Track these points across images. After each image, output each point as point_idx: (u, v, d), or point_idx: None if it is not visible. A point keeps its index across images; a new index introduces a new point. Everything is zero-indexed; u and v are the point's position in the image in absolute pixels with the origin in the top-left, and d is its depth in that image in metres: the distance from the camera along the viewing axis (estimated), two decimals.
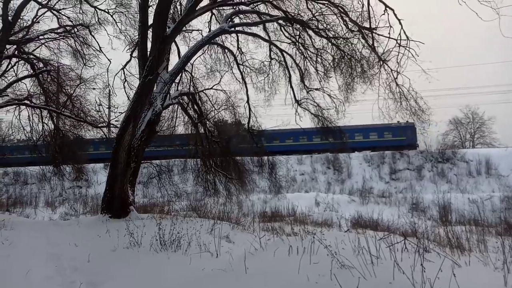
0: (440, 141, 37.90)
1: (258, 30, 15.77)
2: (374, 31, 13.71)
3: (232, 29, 14.61)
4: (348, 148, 24.80)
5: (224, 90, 16.13)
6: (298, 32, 15.16)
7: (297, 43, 15.39)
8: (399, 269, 4.53)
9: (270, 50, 16.14)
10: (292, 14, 14.12)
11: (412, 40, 13.31)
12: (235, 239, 8.55)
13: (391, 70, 13.88)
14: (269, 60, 16.34)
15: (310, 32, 14.69)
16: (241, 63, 16.36)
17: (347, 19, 13.81)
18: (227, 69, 16.76)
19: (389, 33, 13.54)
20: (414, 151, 30.14)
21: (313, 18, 14.17)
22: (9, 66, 14.74)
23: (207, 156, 16.07)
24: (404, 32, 13.35)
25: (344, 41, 14.33)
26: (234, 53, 16.19)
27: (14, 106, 14.38)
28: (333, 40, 14.40)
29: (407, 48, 13.41)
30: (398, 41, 13.48)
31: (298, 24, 14.39)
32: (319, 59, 15.22)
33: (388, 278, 4.37)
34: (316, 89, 15.60)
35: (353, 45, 14.31)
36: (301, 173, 29.56)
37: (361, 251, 5.39)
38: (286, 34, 15.51)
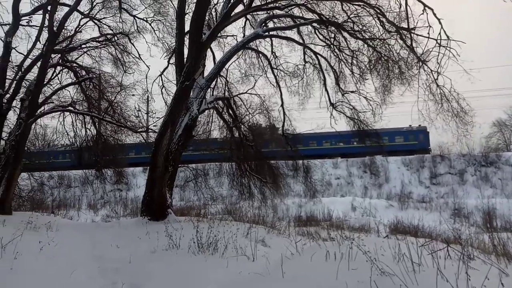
0: (484, 144, 36.29)
1: (292, 33, 15.80)
2: (413, 31, 13.37)
3: (266, 33, 14.71)
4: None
5: (258, 94, 16.23)
6: (333, 35, 15.03)
7: (331, 45, 15.24)
8: (443, 277, 4.36)
9: (304, 53, 16.10)
10: (327, 17, 14.02)
11: (453, 40, 12.89)
12: (271, 243, 8.53)
13: (431, 70, 13.47)
14: (303, 63, 16.31)
15: (345, 34, 14.52)
16: (275, 67, 16.41)
17: (384, 19, 13.54)
18: (261, 73, 16.88)
19: (428, 33, 13.18)
20: (456, 154, 28.96)
21: (348, 20, 13.99)
22: (54, 75, 15.50)
23: (242, 160, 16.20)
24: (444, 32, 12.95)
25: (381, 42, 14.07)
26: (268, 57, 16.27)
27: (59, 112, 15.08)
28: (369, 41, 14.16)
29: (448, 48, 12.97)
30: (438, 41, 13.07)
31: (333, 26, 14.27)
32: (354, 61, 15.01)
33: (431, 286, 4.21)
34: (352, 92, 15.39)
35: (390, 46, 14.04)
36: (336, 177, 29.16)
37: (401, 258, 5.22)
38: (321, 37, 15.41)
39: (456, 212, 21.09)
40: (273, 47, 16.47)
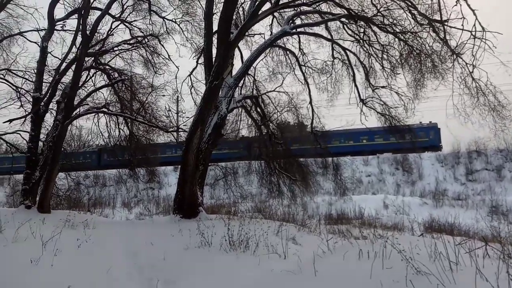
0: None
1: (320, 29, 15.61)
2: (446, 23, 12.91)
3: (294, 30, 14.60)
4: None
5: (287, 92, 16.19)
6: (362, 29, 14.74)
7: (361, 40, 14.96)
8: (482, 277, 4.21)
9: (333, 49, 15.89)
10: (356, 11, 13.77)
11: (488, 31, 12.33)
12: (302, 241, 8.51)
13: (466, 63, 12.98)
14: (332, 59, 16.10)
15: (375, 28, 14.21)
16: (303, 64, 16.28)
17: (415, 12, 13.16)
18: (289, 71, 16.79)
19: (462, 25, 12.66)
20: (493, 149, 27.83)
21: (378, 14, 13.69)
22: (88, 77, 16.01)
23: (271, 158, 16.22)
24: (479, 23, 12.42)
25: (413, 35, 13.69)
26: (296, 54, 16.17)
27: (93, 114, 15.58)
28: (400, 35, 13.81)
29: (483, 40, 12.44)
30: (473, 33, 12.55)
31: (362, 21, 14.00)
32: (385, 56, 14.68)
33: (470, 286, 4.07)
34: (383, 87, 15.05)
35: (422, 40, 13.63)
36: (367, 174, 28.67)
37: (438, 257, 5.08)
38: (349, 32, 15.15)
39: (494, 209, 20.30)
40: (301, 44, 16.38)
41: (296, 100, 16.45)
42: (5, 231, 7.04)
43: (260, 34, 16.65)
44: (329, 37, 15.43)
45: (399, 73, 14.58)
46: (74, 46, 15.11)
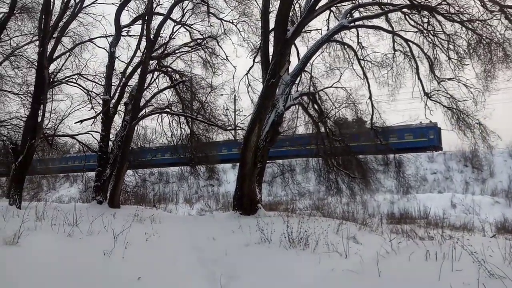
0: None
1: (380, 21, 15.07)
2: None
3: (352, 24, 14.25)
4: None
5: (344, 88, 15.81)
6: (425, 19, 14.01)
7: (424, 31, 14.23)
8: None
9: (394, 41, 15.28)
10: (418, 1, 13.12)
11: None
12: (363, 241, 8.30)
13: None
14: (393, 52, 15.48)
15: (440, 17, 13.45)
16: (361, 58, 15.81)
17: None
18: (347, 66, 16.38)
19: None
20: None
21: (443, 2, 12.92)
22: (152, 80, 16.88)
23: (329, 155, 15.98)
24: None
25: (482, 23, 12.77)
26: (354, 48, 15.74)
27: (157, 114, 16.39)
28: (467, 23, 12.94)
29: None
30: None
31: (426, 10, 13.31)
32: (451, 46, 13.83)
33: None
34: (449, 79, 14.21)
35: (492, 27, 12.67)
36: (432, 171, 27.22)
37: None
38: (412, 23, 14.48)
39: None
40: (359, 37, 15.91)
41: (354, 96, 16.04)
42: (80, 225, 7.58)
43: (316, 29, 16.39)
44: (389, 29, 14.85)
45: (467, 64, 13.70)
46: (138, 50, 15.99)
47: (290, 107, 14.43)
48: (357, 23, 14.54)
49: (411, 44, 14.64)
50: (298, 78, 15.39)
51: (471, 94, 13.75)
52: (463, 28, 13.20)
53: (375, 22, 14.95)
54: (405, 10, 13.84)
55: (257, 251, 7.01)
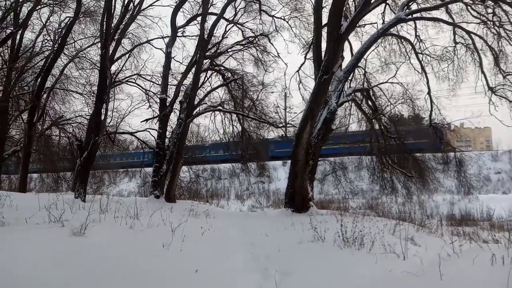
0: None
1: (439, 13, 14.37)
2: None
3: (410, 16, 13.67)
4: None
5: (401, 83, 15.22)
6: (490, 10, 13.16)
7: (488, 22, 13.36)
8: None
9: (454, 33, 14.50)
10: None
11: None
12: (421, 242, 7.95)
13: None
14: (453, 45, 14.72)
15: (506, 7, 12.54)
16: (419, 51, 15.16)
17: None
18: (404, 60, 15.77)
19: None
20: None
21: None
22: (206, 78, 17.32)
23: (383, 153, 15.49)
24: None
25: None
26: (412, 42, 15.10)
27: (211, 112, 16.80)
28: None
29: None
30: None
31: (491, 0, 12.46)
32: None
33: None
34: None
35: None
36: (496, 171, 25.48)
37: None
38: (474, 14, 13.68)
39: None
40: (417, 30, 15.27)
41: (411, 91, 15.40)
42: (141, 218, 7.94)
43: (371, 23, 15.90)
44: (450, 20, 14.07)
45: None
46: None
47: (343, 103, 14.16)
48: (415, 15, 13.93)
49: (473, 36, 13.81)
50: (352, 74, 15.05)
51: None
52: None
53: (434, 14, 14.27)
54: (467, 0, 13.06)
55: (311, 249, 6.95)
